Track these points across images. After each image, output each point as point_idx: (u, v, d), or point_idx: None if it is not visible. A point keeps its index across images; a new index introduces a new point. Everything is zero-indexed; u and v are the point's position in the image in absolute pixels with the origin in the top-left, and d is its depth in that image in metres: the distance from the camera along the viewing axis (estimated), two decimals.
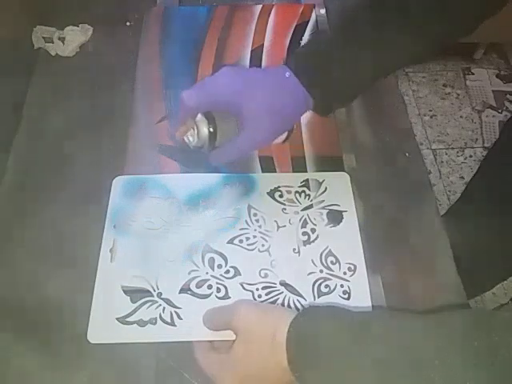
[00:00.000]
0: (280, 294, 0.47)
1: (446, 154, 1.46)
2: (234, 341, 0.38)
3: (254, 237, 0.50)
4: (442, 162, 1.44)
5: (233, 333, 0.39)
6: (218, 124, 0.45)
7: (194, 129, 0.45)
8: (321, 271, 0.48)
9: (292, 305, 0.46)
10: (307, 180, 0.54)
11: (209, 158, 0.46)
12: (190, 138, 0.46)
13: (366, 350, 0.32)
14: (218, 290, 0.47)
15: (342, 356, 0.32)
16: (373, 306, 0.46)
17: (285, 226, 0.51)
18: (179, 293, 0.46)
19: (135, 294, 0.46)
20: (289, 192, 0.53)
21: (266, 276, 0.48)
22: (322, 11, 0.70)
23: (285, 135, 0.48)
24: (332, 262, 0.49)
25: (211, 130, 0.45)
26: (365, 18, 0.44)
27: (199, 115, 0.45)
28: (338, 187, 0.53)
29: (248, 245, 0.49)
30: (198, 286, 0.47)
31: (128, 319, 0.45)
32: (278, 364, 0.35)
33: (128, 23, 0.69)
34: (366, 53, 0.43)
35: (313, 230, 0.50)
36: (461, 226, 0.77)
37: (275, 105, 0.43)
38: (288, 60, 0.46)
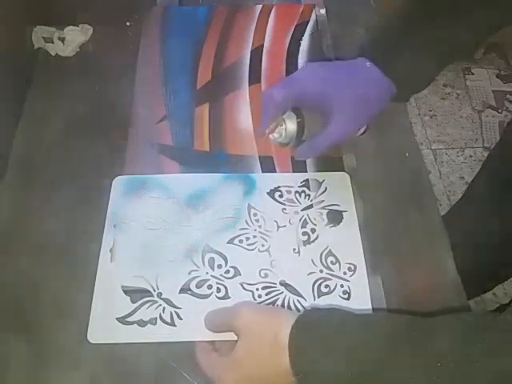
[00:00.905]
0: (280, 294, 0.47)
1: (446, 154, 1.46)
2: (235, 342, 0.38)
3: (254, 237, 0.50)
4: (442, 161, 1.44)
5: (234, 334, 0.39)
6: (305, 119, 0.46)
7: (281, 125, 0.46)
8: (321, 271, 0.48)
9: (292, 305, 0.46)
10: (307, 180, 0.54)
11: (297, 153, 0.47)
12: (276, 135, 0.47)
13: (369, 352, 0.32)
14: (218, 290, 0.47)
15: (344, 358, 0.32)
16: (373, 306, 0.46)
17: (285, 226, 0.51)
18: (179, 293, 0.46)
19: (135, 294, 0.46)
20: (289, 192, 0.53)
21: (266, 276, 0.48)
22: (322, 11, 0.70)
23: (363, 129, 0.49)
24: (332, 262, 0.49)
25: (299, 126, 0.46)
26: (436, 6, 0.46)
27: (287, 111, 0.46)
28: (338, 187, 0.53)
29: (248, 245, 0.49)
30: (198, 285, 0.47)
31: (128, 319, 0.45)
32: (279, 366, 0.35)
33: (128, 23, 0.69)
34: (439, 37, 0.45)
35: (313, 230, 0.50)
36: (461, 226, 0.77)
37: (361, 95, 0.44)
38: (362, 51, 0.47)
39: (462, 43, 0.48)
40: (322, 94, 0.44)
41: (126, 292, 0.46)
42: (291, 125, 0.46)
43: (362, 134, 0.50)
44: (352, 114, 0.44)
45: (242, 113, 0.60)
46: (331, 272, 0.48)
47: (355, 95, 0.44)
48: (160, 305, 0.46)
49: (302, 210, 0.52)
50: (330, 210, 0.52)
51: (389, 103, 0.47)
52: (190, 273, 0.48)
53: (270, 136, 0.47)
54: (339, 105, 0.44)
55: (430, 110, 1.55)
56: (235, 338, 0.38)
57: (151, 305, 0.46)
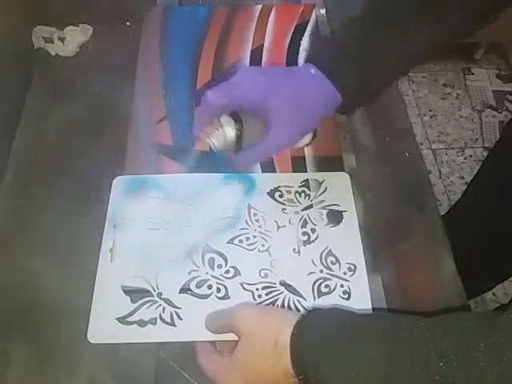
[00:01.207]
0: (280, 294, 0.47)
1: (446, 153, 1.46)
2: (236, 343, 0.38)
3: (254, 237, 0.50)
4: (442, 161, 1.44)
5: (235, 335, 0.39)
6: (245, 125, 0.43)
7: (218, 130, 0.43)
8: (321, 271, 0.48)
9: (292, 305, 0.46)
10: (307, 180, 0.54)
11: (234, 161, 0.45)
12: (215, 142, 0.44)
13: (370, 352, 0.32)
14: (218, 290, 0.47)
15: (346, 359, 0.32)
16: (373, 306, 0.46)
17: (285, 226, 0.51)
18: (179, 293, 0.46)
19: (135, 294, 0.46)
20: (289, 192, 0.53)
21: (266, 276, 0.48)
22: (322, 11, 0.70)
23: (308, 138, 0.47)
24: (332, 262, 0.49)
25: (238, 132, 0.43)
26: (387, 10, 0.44)
27: (224, 116, 0.43)
28: (338, 187, 0.53)
29: (248, 245, 0.49)
30: (198, 285, 0.47)
31: (128, 319, 0.45)
32: (281, 367, 0.35)
33: (128, 23, 0.69)
34: (390, 45, 0.43)
35: (313, 230, 0.50)
36: (461, 226, 0.77)
37: (303, 103, 0.42)
38: (310, 57, 0.45)
39: (413, 56, 0.45)
40: (259, 100, 0.41)
41: (125, 292, 0.46)
42: (229, 131, 0.43)
43: (307, 145, 0.48)
44: (291, 123, 0.42)
45: None
46: (331, 272, 0.48)
47: (294, 104, 0.42)
48: (160, 305, 0.46)
49: (302, 210, 0.52)
50: (330, 209, 0.52)
51: (329, 114, 0.45)
52: (190, 273, 0.48)
53: (208, 141, 0.44)
54: (277, 114, 0.41)
55: (430, 110, 1.55)
56: (236, 338, 0.38)
57: (151, 305, 0.46)
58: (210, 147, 0.45)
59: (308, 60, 0.44)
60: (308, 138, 0.47)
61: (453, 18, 0.43)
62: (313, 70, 0.43)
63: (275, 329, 0.36)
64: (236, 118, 0.43)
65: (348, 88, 0.43)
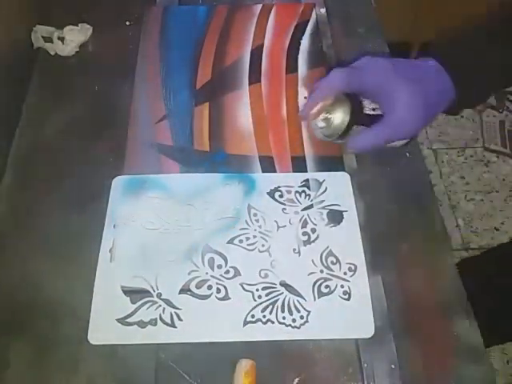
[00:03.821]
0: (280, 294, 0.47)
1: (447, 153, 1.46)
2: None
3: (254, 237, 0.50)
4: (443, 161, 1.44)
5: None
6: (357, 110, 0.42)
7: (329, 112, 0.42)
8: (321, 271, 0.48)
9: (292, 305, 0.46)
10: (307, 180, 0.54)
11: (349, 144, 0.44)
12: (320, 124, 0.42)
13: None
14: (218, 290, 0.47)
15: None
16: (373, 306, 0.46)
17: (285, 226, 0.51)
18: (179, 293, 0.46)
19: (135, 294, 0.46)
20: (289, 192, 0.53)
21: (266, 276, 0.47)
22: (323, 10, 0.70)
23: (409, 138, 0.45)
24: (332, 262, 0.48)
25: (350, 117, 0.41)
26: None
27: (338, 98, 0.42)
28: (339, 187, 0.53)
29: (248, 245, 0.49)
30: (198, 286, 0.47)
31: (128, 320, 0.45)
32: None
33: (128, 23, 0.69)
34: (507, 55, 0.43)
35: (313, 230, 0.50)
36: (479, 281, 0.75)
37: (425, 92, 0.41)
38: (430, 51, 0.45)
39: None
40: (386, 85, 0.41)
41: (125, 292, 0.46)
42: (342, 113, 0.41)
43: (406, 144, 0.47)
44: (417, 110, 0.41)
45: (242, 112, 0.60)
46: (331, 272, 0.48)
47: (422, 92, 0.41)
48: (160, 305, 0.46)
49: (302, 210, 0.52)
50: (330, 209, 0.52)
51: (443, 110, 0.44)
52: (189, 273, 0.47)
53: (313, 124, 0.42)
54: (405, 98, 0.40)
55: None
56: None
57: (151, 305, 0.46)
58: (316, 129, 0.43)
59: (428, 54, 0.44)
60: (401, 142, 0.46)
61: None
62: (431, 63, 0.43)
63: None
64: (352, 100, 0.42)
65: (464, 85, 0.42)
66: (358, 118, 0.42)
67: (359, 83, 0.42)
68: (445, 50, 0.45)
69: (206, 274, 0.47)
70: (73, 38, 0.65)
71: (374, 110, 0.42)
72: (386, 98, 0.41)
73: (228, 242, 0.49)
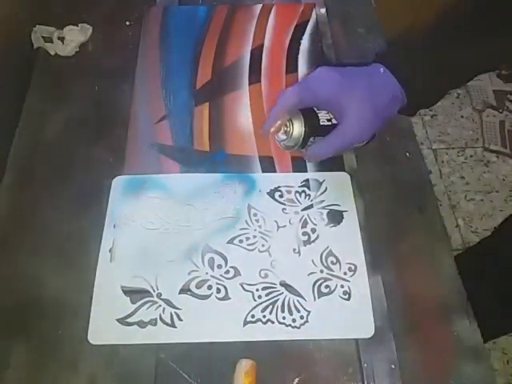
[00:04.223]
0: (280, 294, 0.47)
1: (447, 153, 1.46)
2: None
3: (254, 237, 0.50)
4: (443, 161, 1.44)
5: None
6: (313, 122, 0.45)
7: (287, 126, 0.45)
8: (321, 271, 0.48)
9: (292, 305, 0.46)
10: (307, 180, 0.54)
11: (307, 153, 0.46)
12: (282, 136, 0.46)
13: None
14: (218, 290, 0.46)
15: None
16: (373, 306, 0.46)
17: (285, 226, 0.51)
18: (179, 293, 0.46)
19: (135, 294, 0.46)
20: (289, 192, 0.53)
21: (266, 276, 0.47)
22: (322, 10, 0.70)
23: (366, 140, 0.47)
24: (332, 262, 0.48)
25: (305, 129, 0.44)
26: (462, 22, 0.46)
27: (294, 112, 0.45)
28: (339, 187, 0.53)
29: (248, 245, 0.49)
30: (198, 286, 0.47)
31: (128, 320, 0.45)
32: None
33: (128, 23, 0.69)
34: (458, 54, 0.45)
35: (313, 230, 0.50)
36: (479, 264, 0.75)
37: (374, 100, 0.44)
38: (378, 57, 0.47)
39: (479, 65, 0.47)
40: (335, 96, 0.44)
41: (125, 292, 0.46)
42: (299, 126, 0.45)
43: (366, 143, 0.48)
44: (366, 116, 0.44)
45: (242, 112, 0.60)
46: (331, 272, 0.48)
47: (370, 99, 0.44)
48: (160, 305, 0.46)
49: (302, 210, 0.52)
50: (330, 209, 0.52)
51: (395, 114, 0.47)
52: (189, 273, 0.47)
53: (276, 137, 0.47)
54: (354, 106, 0.43)
55: (431, 110, 1.55)
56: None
57: (151, 305, 0.46)
58: (280, 142, 0.47)
59: (377, 60, 0.46)
60: (364, 141, 0.47)
61: None
62: (382, 69, 0.45)
63: None
64: (306, 114, 0.45)
65: (414, 88, 0.45)
66: (315, 129, 0.45)
67: (311, 97, 0.45)
68: (394, 54, 0.47)
69: (206, 274, 0.47)
70: (73, 38, 0.65)
71: (329, 120, 0.46)
72: (337, 108, 0.44)
73: (228, 242, 0.49)
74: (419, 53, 0.46)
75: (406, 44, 0.48)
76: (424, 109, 0.50)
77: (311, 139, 0.45)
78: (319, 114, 0.46)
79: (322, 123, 0.45)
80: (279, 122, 0.45)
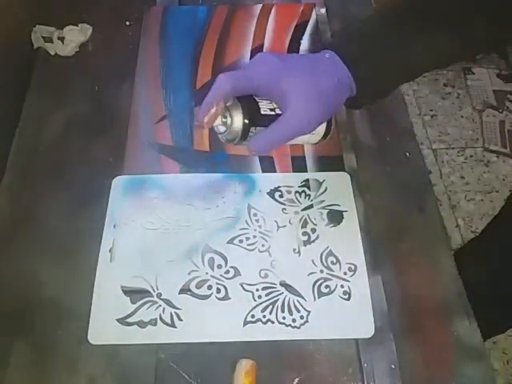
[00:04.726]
0: (280, 294, 0.47)
1: (447, 153, 1.46)
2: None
3: (254, 237, 0.50)
4: (443, 161, 1.44)
5: None
6: (253, 111, 0.40)
7: (225, 117, 0.41)
8: (321, 271, 0.48)
9: (292, 305, 0.46)
10: (307, 180, 0.54)
11: (249, 147, 0.42)
12: (221, 128, 0.41)
13: None
14: (218, 290, 0.46)
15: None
16: (373, 306, 0.46)
17: (285, 226, 0.51)
18: (179, 293, 0.46)
19: (135, 294, 0.46)
20: (289, 192, 0.53)
21: (266, 276, 0.47)
22: (322, 10, 0.70)
23: (322, 132, 0.45)
24: (332, 262, 0.48)
25: (246, 120, 0.40)
26: (411, 10, 0.43)
27: (233, 102, 0.41)
28: (339, 187, 0.53)
29: (248, 245, 0.49)
30: (198, 286, 0.47)
31: (128, 320, 0.45)
32: None
33: (128, 23, 0.69)
34: (412, 45, 0.42)
35: (313, 230, 0.50)
36: (475, 263, 0.75)
37: (318, 86, 0.41)
38: (326, 43, 0.44)
39: (433, 61, 0.45)
40: (274, 82, 0.40)
41: (125, 292, 0.46)
42: (237, 116, 0.40)
43: (322, 139, 0.45)
44: (310, 101, 0.40)
45: None
46: (331, 272, 0.48)
47: (313, 82, 0.40)
48: (160, 305, 0.46)
49: (302, 210, 0.52)
50: (330, 209, 0.52)
51: (343, 103, 0.43)
52: (189, 273, 0.47)
53: (215, 128, 0.41)
54: (292, 96, 0.40)
55: (431, 110, 1.55)
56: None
57: (151, 305, 0.46)
58: (218, 134, 0.42)
59: (324, 46, 0.43)
60: (320, 132, 0.45)
61: (478, 29, 0.43)
62: (327, 55, 0.42)
63: None
64: (245, 103, 0.41)
65: (363, 75, 0.42)
66: (255, 119, 0.41)
67: (247, 85, 0.41)
68: (340, 38, 0.45)
69: (206, 274, 0.47)
70: (73, 38, 0.65)
71: (272, 110, 0.41)
72: (278, 95, 0.40)
73: (228, 242, 0.49)
74: (367, 38, 0.43)
75: (353, 30, 0.45)
76: (374, 101, 0.46)
77: (252, 130, 0.41)
78: (260, 104, 0.41)
79: (263, 112, 0.41)
80: (213, 110, 0.40)
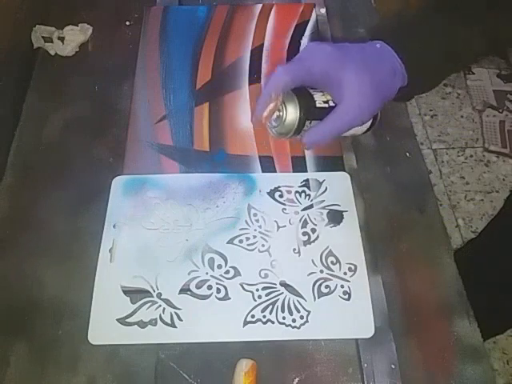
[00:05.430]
0: (280, 294, 0.47)
1: (447, 153, 1.46)
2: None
3: (254, 237, 0.50)
4: (443, 161, 1.44)
5: None
6: (308, 104, 0.40)
7: (280, 110, 0.40)
8: (321, 271, 0.48)
9: (292, 305, 0.46)
10: (307, 180, 0.54)
11: (304, 138, 0.41)
12: (274, 123, 0.41)
13: None
14: (218, 290, 0.46)
15: None
16: (373, 306, 0.46)
17: (285, 226, 0.51)
18: (179, 293, 0.46)
19: (135, 294, 0.46)
20: (289, 192, 0.53)
21: (266, 276, 0.47)
22: (322, 10, 0.70)
23: (369, 123, 0.44)
24: (332, 262, 0.48)
25: (302, 114, 0.39)
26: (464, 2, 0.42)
27: (287, 94, 0.40)
28: (339, 187, 0.53)
29: (248, 245, 0.49)
30: (198, 286, 0.47)
31: (128, 320, 0.45)
32: None
33: (128, 23, 0.69)
34: (456, 30, 0.42)
35: (313, 230, 0.50)
36: (475, 264, 0.74)
37: (372, 77, 0.40)
38: (378, 33, 0.43)
39: (475, 49, 0.44)
40: (331, 69, 0.39)
41: (125, 292, 0.46)
42: (293, 110, 0.39)
43: (367, 131, 0.45)
44: (366, 91, 0.39)
45: (242, 112, 0.60)
46: (331, 272, 0.48)
47: (368, 72, 0.40)
48: (160, 305, 0.46)
49: (302, 210, 0.52)
50: (330, 209, 0.52)
51: (395, 93, 0.43)
52: (189, 273, 0.47)
53: (268, 124, 0.41)
54: (352, 81, 0.39)
55: (431, 110, 1.55)
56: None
57: (151, 305, 0.46)
58: (271, 129, 0.42)
59: (375, 36, 0.43)
60: (365, 126, 0.44)
61: None
62: (378, 45, 0.42)
63: None
64: (301, 94, 0.40)
65: (414, 63, 0.41)
66: (311, 112, 0.40)
67: (305, 76, 0.40)
68: (395, 31, 0.43)
69: (206, 274, 0.47)
70: (73, 38, 0.65)
71: (326, 102, 0.41)
72: (335, 86, 0.40)
73: (228, 242, 0.49)
74: (413, 27, 0.43)
75: (399, 19, 0.44)
76: (424, 91, 0.45)
77: (307, 123, 0.40)
78: (315, 96, 0.41)
79: (318, 105, 0.40)
80: (272, 105, 0.40)
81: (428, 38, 0.42)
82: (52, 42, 0.65)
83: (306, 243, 0.50)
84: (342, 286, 0.47)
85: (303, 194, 0.53)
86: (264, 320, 0.45)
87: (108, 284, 0.47)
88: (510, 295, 0.74)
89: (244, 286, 0.47)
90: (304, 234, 0.50)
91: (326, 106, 0.41)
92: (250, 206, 0.52)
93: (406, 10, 0.46)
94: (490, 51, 0.47)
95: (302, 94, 0.40)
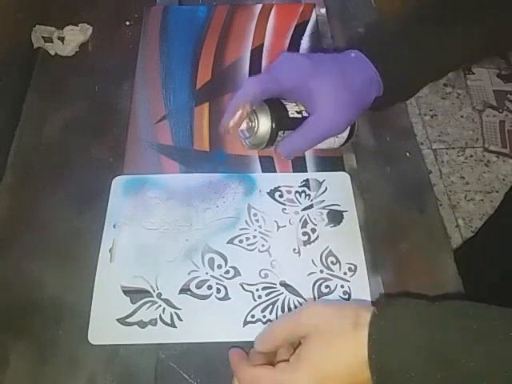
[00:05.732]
0: (280, 294, 0.47)
1: (447, 153, 1.46)
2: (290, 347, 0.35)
3: (254, 237, 0.50)
4: (443, 161, 1.44)
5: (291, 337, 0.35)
6: (281, 114, 0.39)
7: (252, 121, 0.39)
8: (321, 271, 0.48)
9: (292, 305, 0.46)
10: (307, 180, 0.54)
11: (278, 150, 0.41)
12: (246, 134, 0.40)
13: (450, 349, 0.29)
14: (218, 290, 0.46)
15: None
16: (373, 306, 0.46)
17: (285, 226, 0.51)
18: (179, 293, 0.46)
19: (135, 294, 0.46)
20: (289, 192, 0.53)
21: (266, 276, 0.47)
22: (322, 11, 0.70)
23: (346, 135, 0.43)
24: (332, 263, 0.48)
25: (273, 125, 0.38)
26: (442, 9, 0.42)
27: (259, 105, 0.39)
28: (339, 187, 0.53)
29: (248, 245, 0.49)
30: (198, 286, 0.47)
31: (128, 320, 0.45)
32: (362, 354, 0.31)
33: (127, 23, 0.69)
34: (433, 41, 0.41)
35: (313, 230, 0.50)
36: (474, 262, 0.74)
37: (347, 86, 0.39)
38: (353, 43, 0.43)
39: (460, 58, 0.44)
40: (304, 82, 0.38)
41: (125, 292, 0.46)
42: (265, 120, 0.38)
43: (345, 143, 0.45)
44: (340, 102, 0.39)
45: None
46: (331, 272, 0.48)
47: (343, 83, 0.39)
48: (160, 305, 0.46)
49: (302, 210, 0.52)
50: (330, 209, 0.52)
51: (370, 104, 0.43)
52: (189, 273, 0.47)
53: (240, 134, 0.40)
54: (326, 92, 0.38)
55: (431, 110, 1.55)
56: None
57: (151, 305, 0.46)
58: (243, 140, 0.41)
59: (351, 46, 0.42)
60: (345, 135, 0.43)
61: (504, 22, 0.42)
62: (353, 54, 0.41)
63: (352, 312, 0.33)
64: (273, 105, 0.39)
65: (390, 73, 0.41)
66: (283, 122, 0.39)
67: (276, 86, 0.39)
68: (370, 40, 0.43)
69: (206, 274, 0.47)
70: (73, 38, 0.65)
71: (299, 112, 0.40)
72: (307, 97, 0.39)
73: (228, 242, 0.49)
74: (391, 36, 0.42)
75: (376, 29, 0.44)
76: (400, 101, 0.45)
77: (280, 133, 0.40)
78: (287, 106, 0.40)
79: (291, 115, 0.40)
80: (239, 113, 0.38)
81: (406, 49, 0.42)
82: (52, 41, 0.65)
83: (306, 243, 0.50)
84: (342, 286, 0.47)
85: (303, 194, 0.53)
86: (264, 320, 0.45)
87: (108, 284, 0.47)
88: (510, 295, 0.74)
89: (244, 286, 0.47)
90: (304, 233, 0.50)
91: (300, 116, 0.40)
92: (250, 205, 0.52)
93: (389, 20, 0.45)
94: (471, 61, 0.47)
95: (274, 104, 0.39)
